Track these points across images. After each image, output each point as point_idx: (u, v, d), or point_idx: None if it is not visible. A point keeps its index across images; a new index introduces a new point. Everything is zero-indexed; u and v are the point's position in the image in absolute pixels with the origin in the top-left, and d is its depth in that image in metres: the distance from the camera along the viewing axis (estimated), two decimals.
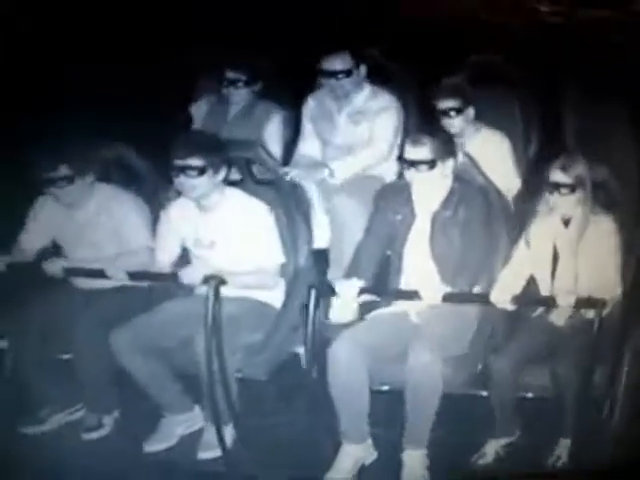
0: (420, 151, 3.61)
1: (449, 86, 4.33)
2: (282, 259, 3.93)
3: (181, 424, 3.99)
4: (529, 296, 3.68)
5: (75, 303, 4.10)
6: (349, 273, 3.75)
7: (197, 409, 4.01)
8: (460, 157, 3.77)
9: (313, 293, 3.60)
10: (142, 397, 3.98)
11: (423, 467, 3.63)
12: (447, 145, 3.68)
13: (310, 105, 4.58)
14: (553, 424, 3.62)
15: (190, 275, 3.78)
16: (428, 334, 3.60)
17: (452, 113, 4.22)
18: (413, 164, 3.63)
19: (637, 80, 3.92)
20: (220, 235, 3.92)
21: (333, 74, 4.35)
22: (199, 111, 4.75)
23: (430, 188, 3.71)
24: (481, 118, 4.36)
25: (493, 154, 4.05)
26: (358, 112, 4.44)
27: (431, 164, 3.62)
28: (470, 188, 3.74)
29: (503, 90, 4.55)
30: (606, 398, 3.53)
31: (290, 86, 4.67)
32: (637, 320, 3.55)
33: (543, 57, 4.32)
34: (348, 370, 3.59)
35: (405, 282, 3.78)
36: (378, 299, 3.76)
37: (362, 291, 3.65)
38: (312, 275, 4.02)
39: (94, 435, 4.03)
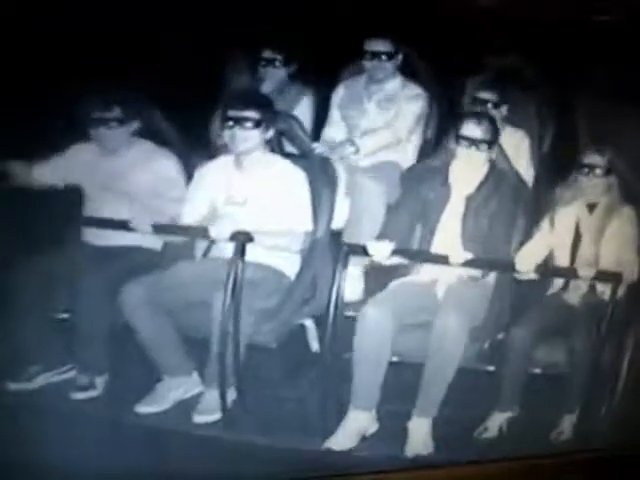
0: (478, 130, 3.85)
1: (492, 79, 4.52)
2: (311, 226, 4.01)
3: (178, 388, 3.96)
4: (551, 266, 3.85)
5: (84, 259, 4.05)
6: (380, 237, 3.87)
7: (195, 375, 3.99)
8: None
9: (344, 251, 3.70)
10: (137, 360, 3.94)
11: (429, 435, 3.72)
12: (496, 132, 3.93)
13: (340, 93, 4.73)
14: (558, 400, 3.74)
15: (219, 229, 3.83)
16: (452, 303, 3.73)
17: (489, 105, 4.39)
18: (468, 140, 3.85)
19: None
20: (254, 194, 3.99)
21: (377, 55, 4.55)
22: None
23: (469, 171, 3.94)
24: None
25: (514, 151, 4.24)
26: (387, 99, 4.62)
27: (486, 144, 3.86)
28: (502, 176, 3.96)
29: (521, 89, 4.71)
30: (610, 377, 3.68)
31: (322, 71, 4.75)
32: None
33: (563, 56, 4.52)
34: (376, 336, 3.69)
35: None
36: (407, 262, 3.88)
37: (393, 253, 3.76)
38: (327, 251, 4.07)
39: (84, 395, 3.96)
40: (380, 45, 4.55)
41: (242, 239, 3.73)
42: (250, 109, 3.91)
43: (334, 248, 3.97)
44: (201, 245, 4.14)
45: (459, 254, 3.74)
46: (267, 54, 4.69)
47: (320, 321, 3.91)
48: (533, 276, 3.72)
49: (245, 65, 4.76)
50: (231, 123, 3.91)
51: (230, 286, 3.70)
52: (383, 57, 4.55)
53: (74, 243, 4.14)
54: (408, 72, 4.65)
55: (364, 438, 3.78)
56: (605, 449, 3.52)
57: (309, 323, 4.09)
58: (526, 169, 4.40)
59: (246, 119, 3.90)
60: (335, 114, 4.72)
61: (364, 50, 4.58)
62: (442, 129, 4.61)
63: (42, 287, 3.96)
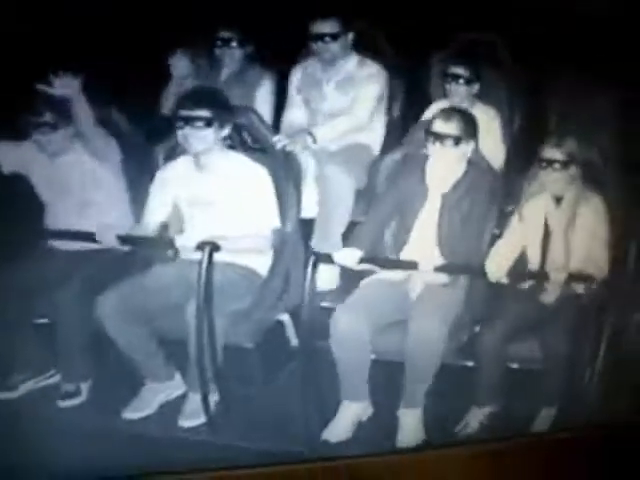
0: (449, 126, 3.74)
1: (464, 54, 4.43)
2: (278, 223, 3.95)
3: (162, 392, 3.97)
4: (522, 270, 3.80)
5: (56, 265, 4.01)
6: (349, 243, 3.83)
7: (178, 377, 3.99)
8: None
9: (312, 260, 3.65)
10: (121, 364, 3.93)
11: (419, 423, 3.74)
12: (472, 127, 3.82)
13: (297, 75, 4.61)
14: (536, 394, 3.74)
15: (184, 240, 3.78)
16: (426, 303, 3.71)
17: (460, 80, 4.31)
18: (440, 137, 3.75)
19: (623, 63, 4.04)
20: (217, 195, 3.91)
21: (320, 37, 4.41)
22: (180, 71, 4.71)
23: (446, 169, 3.85)
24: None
25: (485, 128, 4.13)
26: (346, 80, 4.49)
27: (457, 140, 3.75)
28: (479, 173, 3.87)
29: (491, 67, 4.62)
30: (587, 371, 3.68)
31: (281, 51, 4.65)
32: (616, 299, 3.70)
33: (535, 36, 4.41)
34: (350, 335, 3.68)
35: (405, 254, 3.88)
36: (376, 269, 3.82)
37: (361, 260, 3.73)
38: (299, 244, 4.06)
39: (71, 402, 3.96)
40: (323, 26, 4.40)
41: (208, 249, 3.67)
42: (200, 108, 3.79)
43: (305, 240, 3.96)
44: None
45: (429, 260, 3.69)
46: (223, 34, 4.56)
47: (296, 316, 3.88)
48: (504, 281, 3.67)
49: (202, 47, 4.65)
50: (182, 123, 3.79)
51: (202, 292, 3.66)
52: (327, 39, 4.39)
53: (45, 248, 4.10)
54: (368, 49, 4.53)
55: (359, 425, 3.81)
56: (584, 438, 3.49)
57: (286, 318, 4.07)
58: (495, 149, 4.32)
59: (197, 118, 3.78)
60: (295, 97, 4.61)
61: (309, 33, 4.43)
62: (409, 107, 4.55)
63: (17, 295, 3.91)
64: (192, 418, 3.85)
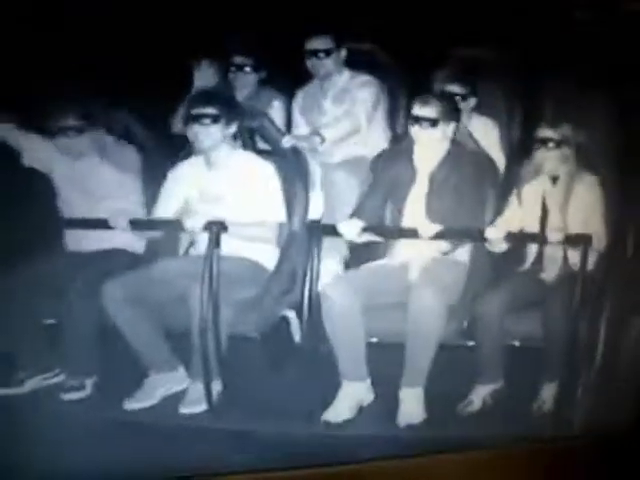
0: (426, 109, 3.96)
1: (460, 72, 4.57)
2: (283, 217, 4.12)
3: (164, 384, 4.01)
4: (521, 233, 3.93)
5: (67, 265, 4.13)
6: (351, 217, 3.96)
7: (181, 370, 4.04)
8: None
9: (317, 230, 3.79)
10: (125, 359, 3.99)
11: (421, 404, 3.77)
12: (451, 110, 4.04)
13: (299, 98, 4.84)
14: (539, 370, 3.78)
15: (193, 221, 3.94)
16: (426, 282, 3.78)
17: (457, 98, 4.42)
18: (418, 120, 3.96)
19: (617, 57, 4.20)
20: (226, 190, 4.09)
21: (314, 53, 4.66)
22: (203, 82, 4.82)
23: (430, 149, 4.04)
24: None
25: (484, 140, 4.30)
26: (341, 93, 4.72)
27: (434, 122, 3.95)
28: (464, 153, 4.06)
29: (487, 80, 4.73)
30: (588, 345, 3.67)
31: (292, 74, 4.84)
32: (615, 270, 3.75)
33: (525, 44, 4.58)
34: (342, 310, 3.77)
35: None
36: (379, 239, 3.95)
37: (364, 230, 3.86)
38: (305, 241, 4.10)
39: (75, 396, 4.01)
40: (317, 43, 4.65)
41: (216, 229, 3.82)
42: (207, 105, 4.03)
43: (309, 236, 4.01)
44: (182, 245, 4.26)
45: (428, 227, 3.82)
46: (237, 60, 4.77)
47: (300, 311, 3.94)
48: (504, 246, 3.79)
49: (216, 71, 4.81)
50: (191, 121, 4.03)
51: (207, 278, 3.77)
52: (320, 54, 4.64)
53: (56, 249, 4.24)
54: (362, 67, 4.74)
55: (361, 409, 3.84)
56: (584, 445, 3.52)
57: (292, 315, 4.15)
58: (496, 157, 4.37)
59: (204, 115, 4.02)
60: (299, 120, 4.82)
61: (304, 50, 4.67)
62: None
63: (28, 294, 4.02)
64: (193, 405, 3.89)
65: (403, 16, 4.57)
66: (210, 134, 4.04)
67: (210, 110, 4.02)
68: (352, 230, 3.88)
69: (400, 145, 4.19)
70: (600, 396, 3.60)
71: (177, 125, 4.56)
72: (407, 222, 3.99)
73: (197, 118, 4.02)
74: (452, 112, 4.03)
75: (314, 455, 3.54)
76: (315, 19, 4.59)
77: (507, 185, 4.04)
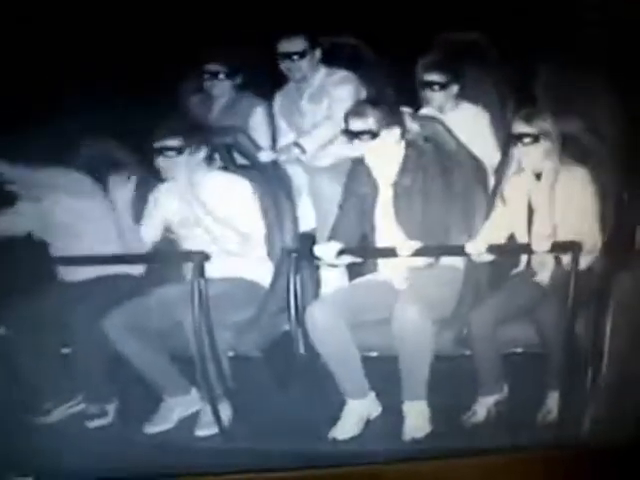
0: (362, 122, 3.74)
1: (438, 60, 4.39)
2: (263, 229, 4.05)
3: (179, 407, 4.05)
4: (505, 245, 3.74)
5: (66, 295, 4.15)
6: (327, 240, 3.86)
7: (194, 392, 4.05)
8: (414, 126, 3.87)
9: (294, 257, 3.73)
10: (142, 384, 4.03)
11: (425, 417, 3.71)
12: (391, 115, 3.78)
13: (278, 101, 4.71)
14: (542, 378, 3.64)
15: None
16: (412, 296, 3.67)
17: (435, 87, 4.29)
18: (356, 135, 3.75)
19: (614, 40, 3.94)
20: (205, 214, 4.00)
21: (288, 56, 4.49)
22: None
23: (382, 158, 3.83)
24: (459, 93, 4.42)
25: (473, 128, 4.12)
26: (317, 91, 4.57)
27: (373, 134, 3.73)
28: (427, 155, 3.83)
29: (478, 65, 4.61)
30: (592, 350, 3.53)
31: (271, 77, 4.71)
32: (619, 270, 3.56)
33: (517, 29, 4.35)
34: (327, 329, 3.70)
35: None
36: (359, 259, 3.84)
37: (342, 252, 3.74)
38: (299, 255, 4.00)
39: (98, 423, 4.07)
40: (291, 46, 4.48)
41: (198, 259, 3.79)
42: (169, 137, 3.94)
43: (305, 252, 3.91)
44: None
45: (406, 245, 3.67)
46: (210, 67, 4.64)
47: (301, 324, 3.86)
48: (487, 258, 3.61)
49: (193, 82, 4.75)
50: (156, 154, 3.96)
51: (196, 304, 3.75)
52: (294, 57, 4.48)
53: (53, 281, 4.24)
54: (339, 63, 4.58)
55: (368, 422, 3.80)
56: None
57: (293, 328, 4.00)
58: (486, 148, 4.22)
59: (167, 148, 3.93)
60: (281, 123, 4.70)
61: (278, 52, 4.50)
62: None
63: (44, 326, 4.06)
64: (206, 428, 3.92)
65: (384, 4, 4.40)
66: (176, 165, 3.95)
67: (172, 142, 3.93)
68: (329, 253, 3.76)
69: (357, 158, 3.95)
70: (607, 404, 3.45)
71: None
72: (383, 239, 3.83)
73: (160, 151, 3.94)
74: (391, 117, 3.76)
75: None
76: (286, 19, 4.44)
77: (495, 188, 3.83)
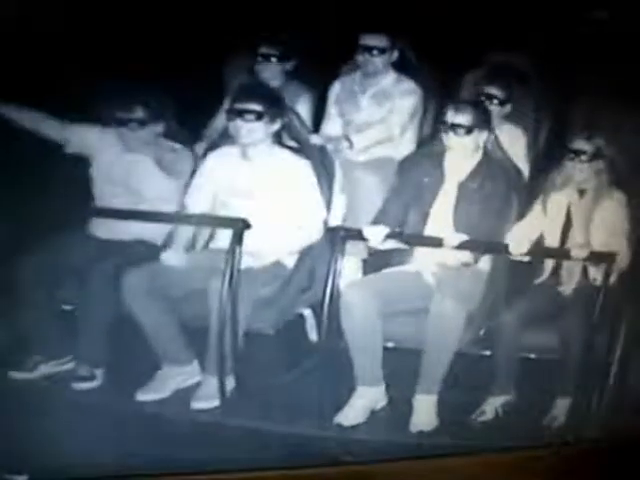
0: (461, 116, 3.92)
1: (501, 75, 4.56)
2: (325, 213, 4.09)
3: (177, 377, 4.02)
4: (545, 249, 3.91)
5: (88, 251, 4.13)
6: (375, 222, 3.95)
7: (195, 363, 4.04)
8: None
9: (340, 236, 3.77)
10: (136, 350, 4.01)
11: (433, 411, 3.79)
12: (485, 118, 4.00)
13: (336, 88, 4.81)
14: (552, 385, 3.77)
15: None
16: (449, 290, 3.79)
17: (495, 101, 4.44)
18: (453, 127, 3.93)
19: None
20: (260, 186, 4.04)
21: (369, 49, 4.63)
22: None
23: (462, 157, 4.01)
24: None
25: (511, 149, 4.27)
26: (381, 93, 4.70)
27: (469, 130, 3.92)
28: (496, 164, 4.02)
29: (520, 85, 4.74)
30: (604, 364, 3.70)
31: (320, 67, 4.84)
32: (633, 294, 3.76)
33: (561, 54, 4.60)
34: (361, 313, 3.77)
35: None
36: (403, 246, 3.93)
37: (387, 236, 3.84)
38: (327, 242, 4.06)
39: (85, 386, 4.02)
40: (373, 40, 4.63)
41: (239, 227, 3.81)
42: (252, 102, 3.98)
43: (332, 239, 3.98)
44: (202, 237, 4.23)
45: (453, 236, 3.80)
46: (263, 50, 4.74)
47: (318, 311, 3.95)
48: (526, 258, 3.78)
49: (244, 62, 4.81)
50: (234, 115, 3.99)
51: (228, 274, 3.77)
52: (374, 52, 4.63)
53: (79, 235, 4.22)
54: (406, 68, 4.72)
55: (373, 412, 3.85)
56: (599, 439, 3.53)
57: (308, 313, 4.16)
58: (522, 165, 4.38)
59: (248, 111, 3.97)
60: (332, 110, 4.80)
61: (358, 45, 4.64)
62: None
63: (46, 278, 4.03)
64: (205, 400, 3.89)
65: (436, 18, 4.60)
66: (252, 130, 3.99)
67: (254, 106, 3.97)
68: (377, 236, 3.85)
69: (430, 150, 4.14)
70: (613, 414, 3.63)
71: (218, 120, 4.53)
72: (431, 230, 3.97)
73: (241, 113, 3.97)
74: (485, 120, 3.98)
75: (323, 456, 3.59)
76: (371, 16, 4.57)
77: (531, 196, 4.00)
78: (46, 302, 4.04)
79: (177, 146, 4.24)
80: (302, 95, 4.79)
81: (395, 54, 4.69)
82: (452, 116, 3.94)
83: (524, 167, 4.39)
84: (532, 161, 4.53)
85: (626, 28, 4.55)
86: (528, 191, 4.02)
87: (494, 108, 4.43)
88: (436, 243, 3.81)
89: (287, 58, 4.79)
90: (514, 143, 4.45)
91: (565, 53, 4.59)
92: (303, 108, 4.71)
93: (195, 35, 4.57)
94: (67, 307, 4.09)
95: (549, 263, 3.94)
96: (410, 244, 3.95)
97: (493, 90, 4.45)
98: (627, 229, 3.85)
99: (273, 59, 4.75)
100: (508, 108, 4.52)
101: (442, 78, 4.77)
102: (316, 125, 4.77)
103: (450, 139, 3.96)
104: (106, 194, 4.21)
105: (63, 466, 3.27)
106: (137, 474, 3.20)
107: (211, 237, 4.21)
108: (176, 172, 4.19)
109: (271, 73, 4.77)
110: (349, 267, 4.11)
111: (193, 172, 4.18)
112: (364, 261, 4.24)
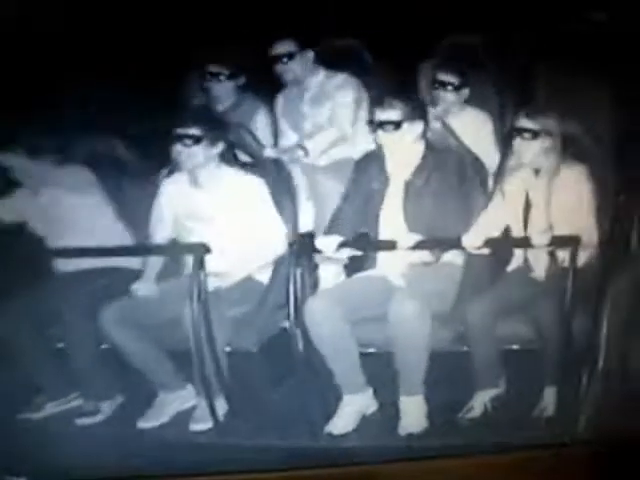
0: (387, 113, 3.78)
1: (453, 61, 4.47)
2: (284, 229, 4.04)
3: (174, 402, 4.05)
4: (503, 239, 3.77)
5: (61, 287, 4.15)
6: (328, 231, 3.88)
7: (189, 387, 4.05)
8: (434, 124, 3.92)
9: (294, 250, 3.73)
10: (135, 379, 4.03)
11: (421, 413, 3.72)
12: (415, 109, 3.83)
13: (280, 102, 4.76)
14: (539, 375, 3.66)
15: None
16: (410, 291, 3.69)
17: (449, 87, 4.34)
18: (380, 125, 3.79)
19: (613, 42, 4.04)
20: (215, 211, 4.02)
21: (278, 58, 4.58)
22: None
23: (401, 154, 3.87)
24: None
25: (476, 133, 4.17)
26: (318, 94, 4.64)
27: (397, 125, 3.77)
28: (444, 156, 3.87)
29: (480, 69, 4.65)
30: (589, 346, 3.54)
31: (272, 79, 4.75)
32: (616, 267, 3.58)
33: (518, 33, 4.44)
34: (325, 323, 3.72)
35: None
36: (359, 252, 3.85)
37: (342, 245, 3.77)
38: (300, 248, 3.99)
39: (88, 421, 4.05)
40: (279, 48, 4.57)
41: (199, 251, 3.80)
42: (189, 126, 3.97)
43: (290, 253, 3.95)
44: (175, 265, 4.20)
45: (406, 237, 3.70)
46: (212, 69, 4.69)
47: (300, 321, 3.85)
48: (485, 251, 3.65)
49: (195, 83, 4.79)
50: (175, 140, 3.98)
51: (195, 298, 3.77)
52: (284, 59, 4.56)
53: (47, 273, 4.23)
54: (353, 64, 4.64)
55: (364, 418, 3.81)
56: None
57: (291, 326, 4.01)
58: (488, 151, 4.25)
59: (187, 136, 3.96)
60: (282, 123, 4.75)
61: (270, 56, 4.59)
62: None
63: (32, 320, 4.05)
64: (200, 422, 3.92)
65: (385, 7, 4.47)
66: (192, 154, 3.98)
67: (192, 131, 3.96)
68: (330, 246, 3.78)
69: (374, 152, 3.99)
70: (604, 400, 3.48)
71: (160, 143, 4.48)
72: (385, 232, 3.86)
73: (180, 138, 3.96)
74: (415, 111, 3.81)
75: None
76: (277, 23, 4.52)
77: (495, 182, 3.87)
78: (40, 343, 4.07)
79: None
80: (258, 109, 4.74)
81: (310, 54, 4.59)
82: (380, 113, 3.79)
83: (493, 153, 4.24)
84: (500, 145, 4.33)
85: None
86: (494, 179, 3.87)
87: (449, 95, 4.32)
88: (390, 246, 3.71)
89: (235, 75, 4.73)
90: (480, 128, 4.33)
91: (524, 31, 4.41)
92: (261, 122, 4.69)
93: (146, 61, 4.55)
94: (61, 345, 4.09)
95: (518, 250, 3.80)
96: (365, 250, 3.85)
97: (446, 77, 4.33)
98: (593, 202, 3.69)
99: (222, 77, 4.70)
100: (466, 93, 4.39)
101: (396, 73, 4.63)
102: (276, 137, 4.72)
103: (380, 137, 3.82)
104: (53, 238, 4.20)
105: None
106: (137, 475, 3.29)
107: (182, 264, 4.16)
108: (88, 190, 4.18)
109: (224, 90, 4.73)
110: (331, 273, 4.04)
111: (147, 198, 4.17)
112: (345, 266, 4.10)
